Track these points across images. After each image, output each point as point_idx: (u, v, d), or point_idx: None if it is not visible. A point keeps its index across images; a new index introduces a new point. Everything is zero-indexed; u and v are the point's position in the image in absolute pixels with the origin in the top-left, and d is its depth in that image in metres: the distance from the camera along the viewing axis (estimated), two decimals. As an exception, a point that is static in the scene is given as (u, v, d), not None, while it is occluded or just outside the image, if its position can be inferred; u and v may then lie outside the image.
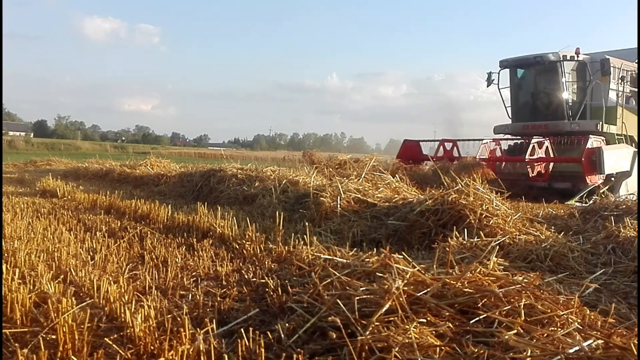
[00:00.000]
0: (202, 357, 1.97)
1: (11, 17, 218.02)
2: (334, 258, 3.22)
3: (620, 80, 12.69)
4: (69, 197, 7.69)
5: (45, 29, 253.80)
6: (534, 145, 10.98)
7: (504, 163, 12.40)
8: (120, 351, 2.04)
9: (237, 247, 4.16)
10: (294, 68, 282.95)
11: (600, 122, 12.03)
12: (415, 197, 5.43)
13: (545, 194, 9.18)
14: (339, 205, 5.34)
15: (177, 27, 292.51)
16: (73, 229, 4.99)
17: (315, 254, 3.49)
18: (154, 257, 3.81)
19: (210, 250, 4.11)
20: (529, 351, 1.78)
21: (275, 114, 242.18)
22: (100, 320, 2.37)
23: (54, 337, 2.13)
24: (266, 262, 3.68)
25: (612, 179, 10.93)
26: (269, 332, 2.21)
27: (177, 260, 3.71)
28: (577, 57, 12.56)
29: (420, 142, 13.49)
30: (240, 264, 3.69)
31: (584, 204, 9.72)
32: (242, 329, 2.16)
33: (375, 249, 3.47)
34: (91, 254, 3.82)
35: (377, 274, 2.57)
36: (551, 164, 11.22)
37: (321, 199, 5.61)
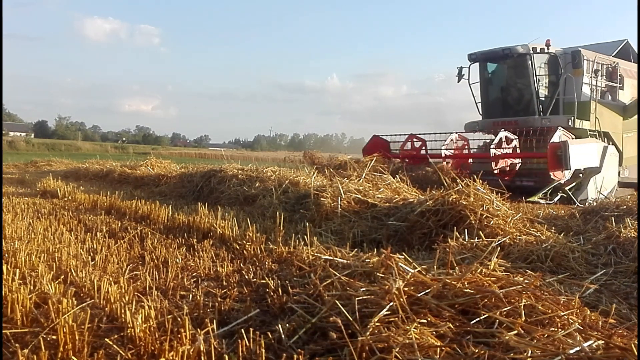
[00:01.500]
0: (202, 358, 1.97)
1: (11, 18, 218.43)
2: (335, 258, 3.22)
3: (594, 74, 12.15)
4: (70, 197, 7.69)
5: (45, 30, 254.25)
6: (500, 140, 10.53)
7: (470, 160, 11.85)
8: (121, 351, 2.04)
9: (238, 247, 4.16)
10: (294, 69, 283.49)
11: (572, 118, 11.56)
12: (415, 198, 5.43)
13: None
14: (339, 206, 5.34)
15: (177, 28, 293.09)
16: (73, 229, 4.99)
17: (316, 254, 3.49)
18: (154, 257, 3.81)
19: (211, 250, 4.11)
20: (530, 352, 1.78)
21: (276, 114, 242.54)
22: (100, 321, 2.37)
23: (54, 337, 2.13)
24: (267, 263, 3.68)
25: (581, 175, 10.47)
26: (269, 333, 2.20)
27: (177, 260, 3.71)
28: (548, 49, 12.03)
29: (389, 139, 13.04)
30: (241, 265, 3.68)
31: (548, 201, 9.39)
32: (242, 330, 2.16)
33: (375, 250, 3.47)
34: (92, 254, 3.82)
35: (378, 274, 2.57)
36: (518, 161, 10.76)
37: (322, 199, 5.61)
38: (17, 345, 2.01)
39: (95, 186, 10.13)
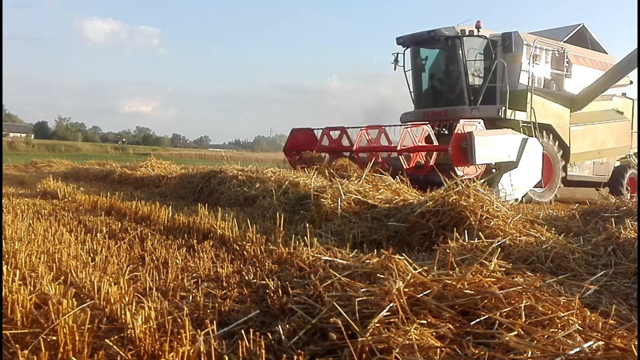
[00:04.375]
0: (202, 358, 1.97)
1: (11, 19, 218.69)
2: (335, 259, 3.23)
3: (533, 60, 11.16)
4: (70, 198, 7.69)
5: (45, 31, 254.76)
6: (406, 134, 9.80)
7: (387, 154, 10.68)
8: (121, 352, 2.04)
9: (238, 248, 4.16)
10: (293, 70, 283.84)
11: (503, 108, 10.77)
12: (415, 199, 5.43)
13: None
14: (339, 207, 5.34)
15: (177, 29, 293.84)
16: (74, 230, 4.99)
17: (316, 255, 3.49)
18: (154, 258, 3.81)
19: (211, 251, 4.11)
20: (530, 352, 1.78)
21: (276, 115, 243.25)
22: (100, 322, 2.37)
23: (54, 338, 2.13)
24: (267, 264, 3.68)
25: (494, 170, 9.51)
26: (269, 334, 2.20)
27: (177, 261, 3.71)
28: (478, 32, 10.99)
29: (315, 132, 11.62)
30: (241, 265, 3.68)
31: None
32: (242, 330, 2.16)
33: (375, 251, 3.47)
34: (92, 255, 3.81)
35: (378, 275, 2.58)
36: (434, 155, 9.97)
37: (322, 200, 5.61)
38: (17, 346, 2.00)
39: (95, 187, 10.12)
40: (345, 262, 3.11)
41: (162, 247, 4.18)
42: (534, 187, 10.30)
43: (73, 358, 2.01)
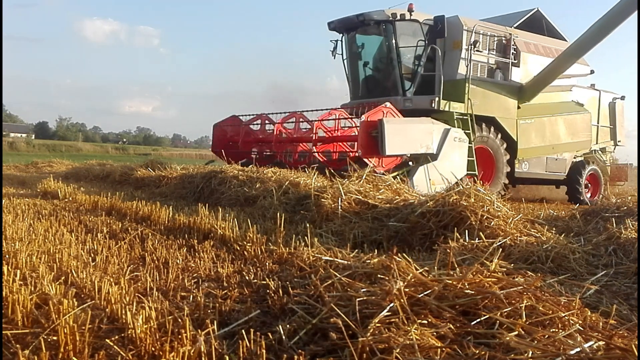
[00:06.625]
0: (203, 358, 1.97)
1: (11, 19, 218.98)
2: (335, 259, 3.23)
3: (473, 47, 10.35)
4: (70, 198, 7.68)
5: (45, 31, 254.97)
6: (314, 125, 9.34)
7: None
8: (122, 352, 2.04)
9: (238, 248, 4.16)
10: (293, 70, 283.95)
11: (437, 99, 9.92)
12: (416, 199, 5.43)
13: None
14: (339, 207, 5.34)
15: (176, 29, 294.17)
16: (74, 230, 4.99)
17: (316, 255, 3.49)
18: (155, 258, 3.81)
19: (212, 251, 4.11)
20: (530, 352, 1.78)
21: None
22: (101, 322, 2.37)
23: (55, 338, 2.13)
24: (267, 264, 3.68)
25: (410, 163, 8.82)
26: (270, 334, 2.20)
27: (178, 261, 3.71)
28: (410, 16, 10.18)
29: (244, 119, 10.84)
30: (241, 265, 3.68)
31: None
32: (243, 330, 2.16)
33: (376, 251, 3.47)
34: (92, 255, 3.82)
35: (378, 275, 2.58)
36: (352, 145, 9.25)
37: (322, 200, 5.61)
38: (17, 346, 2.00)
39: (95, 187, 10.12)
40: (345, 262, 3.11)
41: (162, 247, 4.18)
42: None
43: (74, 358, 2.01)
